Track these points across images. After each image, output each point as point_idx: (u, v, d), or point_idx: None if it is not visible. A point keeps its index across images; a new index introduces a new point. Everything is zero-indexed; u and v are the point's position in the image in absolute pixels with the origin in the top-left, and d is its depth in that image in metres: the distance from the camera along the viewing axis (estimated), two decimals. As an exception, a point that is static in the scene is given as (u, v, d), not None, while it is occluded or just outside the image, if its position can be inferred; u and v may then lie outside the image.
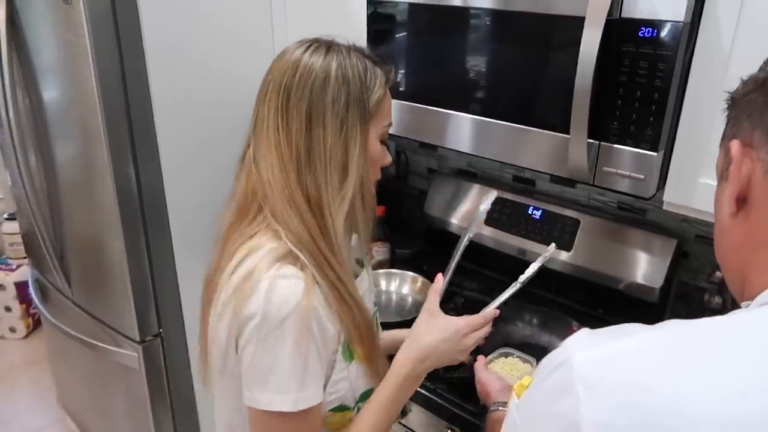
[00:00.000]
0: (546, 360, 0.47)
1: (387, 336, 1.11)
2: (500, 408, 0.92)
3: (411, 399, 1.26)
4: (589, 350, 0.44)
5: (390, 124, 0.86)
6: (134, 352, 1.72)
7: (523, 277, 1.05)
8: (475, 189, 1.72)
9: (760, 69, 0.54)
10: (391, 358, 0.91)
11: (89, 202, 1.64)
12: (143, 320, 1.68)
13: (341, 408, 0.86)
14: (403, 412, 1.28)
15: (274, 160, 0.78)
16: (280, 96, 0.78)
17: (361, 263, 0.97)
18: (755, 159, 0.51)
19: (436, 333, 0.87)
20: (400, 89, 1.36)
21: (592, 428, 0.41)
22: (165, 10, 1.46)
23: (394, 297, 1.56)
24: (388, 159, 0.88)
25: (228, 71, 1.65)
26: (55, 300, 2.00)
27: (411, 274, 1.63)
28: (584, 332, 0.47)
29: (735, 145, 0.53)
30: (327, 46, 0.80)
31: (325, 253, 0.78)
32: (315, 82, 0.76)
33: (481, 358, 1.06)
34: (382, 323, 1.41)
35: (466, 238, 1.09)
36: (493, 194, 1.12)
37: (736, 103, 0.55)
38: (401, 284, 1.57)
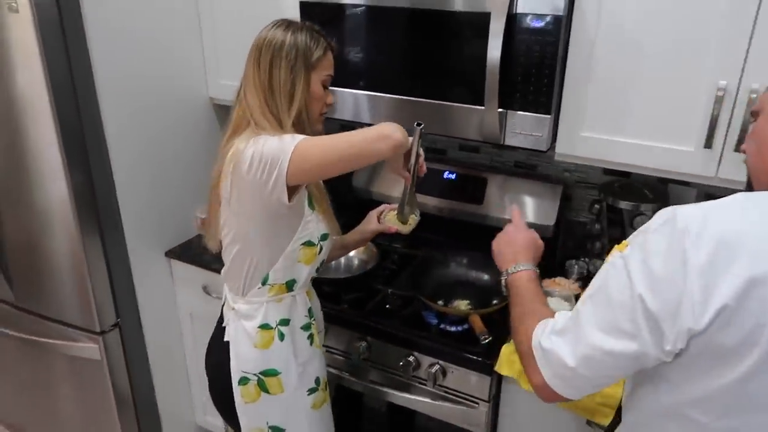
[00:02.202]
0: (654, 218, 0.78)
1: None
2: (522, 268, 1.09)
3: (329, 322, 1.59)
4: (685, 209, 0.75)
5: (330, 75, 1.28)
6: (94, 343, 1.80)
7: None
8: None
9: None
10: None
11: (30, 205, 1.69)
12: (102, 311, 1.76)
13: (309, 243, 1.28)
14: None
15: (253, 92, 1.23)
16: (255, 54, 1.23)
17: None
18: None
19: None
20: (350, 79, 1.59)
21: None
22: (110, 10, 1.57)
23: (342, 260, 1.79)
24: (330, 98, 1.30)
25: (167, 59, 1.79)
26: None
27: (353, 238, 1.87)
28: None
29: None
30: (288, 23, 1.24)
31: None
32: (277, 44, 1.21)
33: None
34: (333, 280, 1.64)
35: None
36: None
37: None
38: (346, 248, 1.80)
